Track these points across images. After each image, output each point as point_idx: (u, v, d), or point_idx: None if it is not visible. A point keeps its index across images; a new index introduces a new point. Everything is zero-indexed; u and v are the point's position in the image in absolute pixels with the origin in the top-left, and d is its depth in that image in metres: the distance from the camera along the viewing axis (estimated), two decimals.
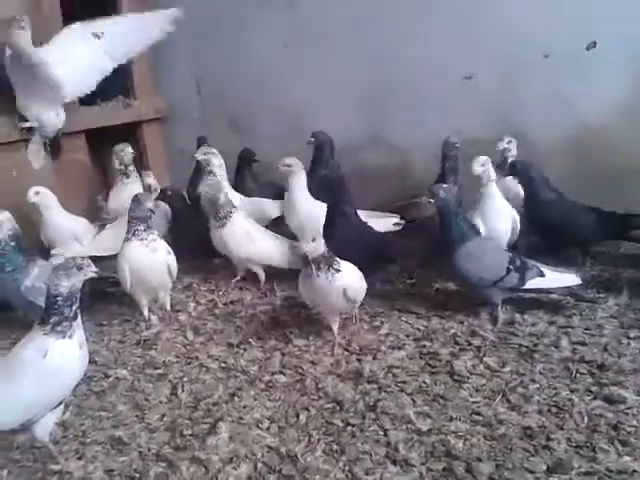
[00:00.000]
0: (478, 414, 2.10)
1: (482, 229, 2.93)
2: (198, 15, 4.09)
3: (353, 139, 3.76)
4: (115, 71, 3.82)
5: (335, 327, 2.58)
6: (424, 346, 2.55)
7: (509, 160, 3.24)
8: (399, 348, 2.54)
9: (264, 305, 3.04)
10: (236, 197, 3.48)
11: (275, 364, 2.51)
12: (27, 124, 3.37)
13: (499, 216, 3.02)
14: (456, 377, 2.31)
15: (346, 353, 2.54)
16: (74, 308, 1.94)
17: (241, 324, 2.88)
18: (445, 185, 2.79)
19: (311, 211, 3.19)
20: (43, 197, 3.24)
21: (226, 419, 2.17)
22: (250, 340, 2.70)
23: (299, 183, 3.26)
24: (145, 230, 2.76)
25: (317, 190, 3.32)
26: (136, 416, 2.25)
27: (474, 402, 2.17)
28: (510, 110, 3.55)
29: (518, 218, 3.06)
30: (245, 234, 3.15)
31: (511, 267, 2.61)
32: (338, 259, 2.47)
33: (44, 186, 3.30)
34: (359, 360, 2.48)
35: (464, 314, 2.76)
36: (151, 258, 2.77)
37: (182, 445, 2.07)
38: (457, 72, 3.64)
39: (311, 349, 2.60)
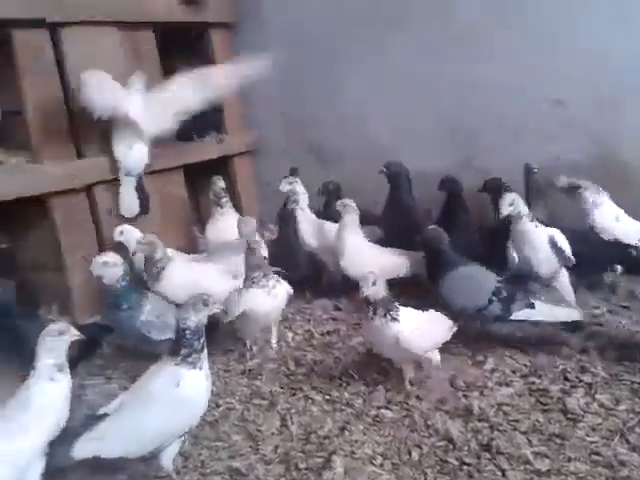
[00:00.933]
0: (597, 454, 2.07)
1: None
2: (283, 48, 4.24)
3: (442, 167, 3.75)
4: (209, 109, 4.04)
5: (406, 374, 2.54)
6: (533, 382, 2.52)
7: None
8: (507, 384, 2.53)
9: (360, 337, 3.07)
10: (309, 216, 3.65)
11: (380, 398, 2.53)
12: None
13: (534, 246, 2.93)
14: (570, 415, 2.28)
15: (451, 389, 2.54)
16: (201, 341, 2.05)
17: (339, 355, 2.92)
18: (433, 227, 2.96)
19: (358, 253, 3.30)
20: (128, 234, 3.36)
21: (339, 453, 2.21)
22: (351, 372, 2.74)
23: (350, 225, 3.35)
24: (264, 276, 2.82)
25: (393, 223, 3.48)
26: (250, 447, 2.32)
27: (592, 442, 2.14)
28: (605, 135, 3.51)
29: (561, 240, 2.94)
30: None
31: (494, 297, 2.65)
32: (399, 307, 2.46)
33: (146, 222, 3.50)
34: (466, 396, 2.47)
35: (571, 349, 2.72)
36: (273, 304, 2.84)
37: (299, 478, 2.12)
38: (548, 97, 3.64)
39: (415, 383, 2.61)
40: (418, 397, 2.51)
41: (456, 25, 3.75)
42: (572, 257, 2.90)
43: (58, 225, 3.26)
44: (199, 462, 2.26)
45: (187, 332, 2.03)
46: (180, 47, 3.94)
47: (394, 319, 2.42)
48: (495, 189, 3.44)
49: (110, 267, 2.68)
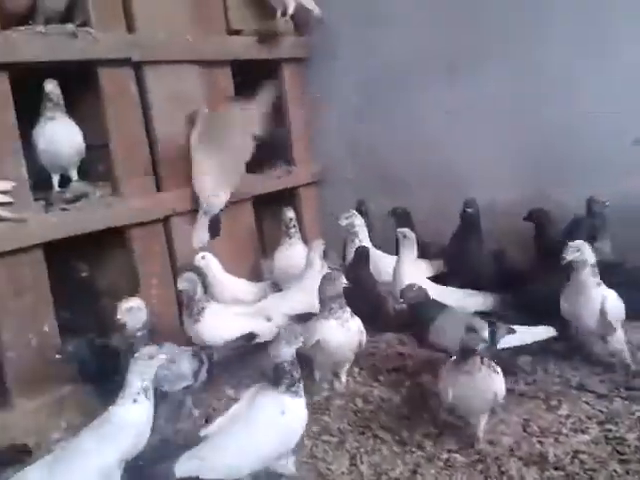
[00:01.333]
0: None
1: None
2: (354, 79, 4.35)
3: (516, 201, 3.73)
4: (278, 140, 4.15)
5: (481, 427, 2.46)
6: (609, 430, 2.45)
7: None
8: (582, 431, 2.46)
9: (427, 374, 3.05)
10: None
11: (450, 441, 2.51)
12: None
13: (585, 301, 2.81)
14: None
15: (525, 434, 2.50)
16: (299, 371, 2.21)
17: (407, 394, 2.92)
18: (415, 286, 2.91)
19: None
20: (209, 261, 3.53)
21: None
22: (420, 412, 2.73)
23: (408, 256, 3.44)
24: (341, 308, 2.84)
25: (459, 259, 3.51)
26: None
27: None
28: None
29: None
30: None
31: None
32: None
33: (217, 249, 3.63)
34: (540, 442, 2.43)
35: None
36: (347, 337, 2.85)
37: None
38: (629, 135, 3.57)
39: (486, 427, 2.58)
40: (490, 442, 2.47)
41: (536, 60, 3.72)
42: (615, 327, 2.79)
43: (135, 254, 3.39)
44: None
45: (285, 364, 2.17)
46: (254, 81, 4.05)
47: (496, 371, 2.36)
48: (540, 219, 3.46)
49: (134, 312, 2.66)
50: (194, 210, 3.66)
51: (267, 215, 4.49)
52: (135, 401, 2.15)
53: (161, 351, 2.26)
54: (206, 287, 3.43)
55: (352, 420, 2.75)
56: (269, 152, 4.10)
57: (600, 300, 2.76)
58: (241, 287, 3.69)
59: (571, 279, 2.85)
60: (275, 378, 2.19)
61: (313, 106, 4.49)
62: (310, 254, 3.52)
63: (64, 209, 3.06)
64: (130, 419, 2.15)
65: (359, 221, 3.75)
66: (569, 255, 2.77)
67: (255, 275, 3.99)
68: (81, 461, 2.07)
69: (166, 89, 3.51)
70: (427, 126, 4.13)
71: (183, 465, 2.06)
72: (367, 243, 3.76)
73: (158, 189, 3.52)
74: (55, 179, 3.24)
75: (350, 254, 3.69)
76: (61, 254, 3.05)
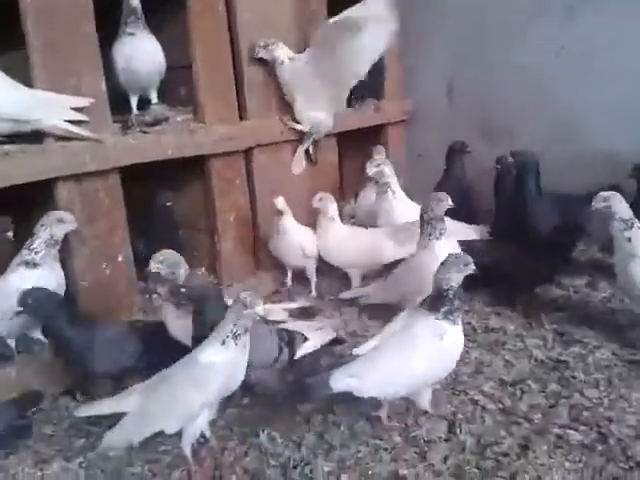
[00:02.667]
0: None
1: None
2: (457, 15, 3.91)
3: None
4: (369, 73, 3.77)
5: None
6: None
7: None
8: None
9: (533, 338, 2.74)
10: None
11: (563, 415, 2.22)
12: (298, 126, 3.39)
13: None
14: None
15: None
16: (460, 300, 2.15)
17: (510, 358, 2.61)
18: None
19: None
20: (326, 201, 3.22)
21: (522, 477, 1.93)
22: (528, 381, 2.43)
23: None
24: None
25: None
26: (415, 452, 2.09)
27: None
28: None
29: None
30: None
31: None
32: None
33: (295, 186, 3.38)
34: None
35: None
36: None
37: None
38: None
39: (604, 402, 2.27)
40: (610, 419, 2.16)
41: None
42: None
43: (214, 186, 3.16)
44: (357, 459, 2.08)
45: (450, 292, 2.09)
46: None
47: None
48: None
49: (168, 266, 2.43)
50: (277, 143, 3.39)
51: (349, 153, 4.17)
52: (224, 343, 2.00)
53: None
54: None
55: (447, 382, 2.47)
56: (360, 85, 3.72)
57: None
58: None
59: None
60: (434, 303, 2.12)
61: (408, 37, 4.07)
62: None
63: (143, 132, 2.83)
64: (217, 362, 2.00)
65: (389, 170, 3.35)
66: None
67: None
68: (167, 402, 2.00)
69: (255, 8, 3.18)
70: (537, 66, 3.67)
71: (338, 380, 2.06)
72: (401, 194, 3.39)
73: (241, 118, 3.23)
74: (134, 101, 3.01)
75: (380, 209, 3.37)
76: (136, 181, 2.84)
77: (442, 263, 2.15)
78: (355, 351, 2.22)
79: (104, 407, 2.13)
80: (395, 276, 2.86)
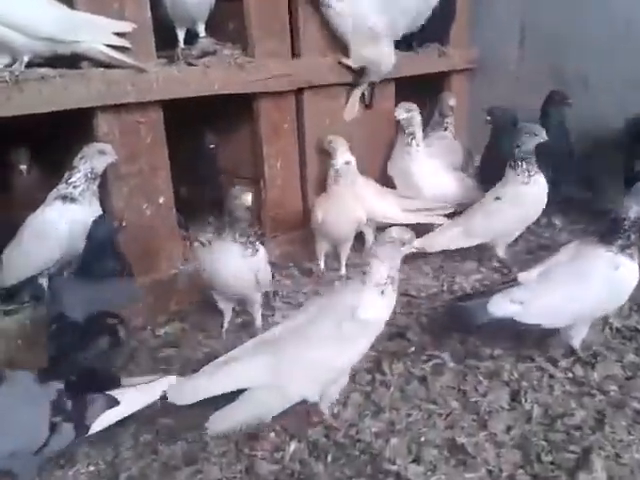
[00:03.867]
0: None
1: None
2: None
3: None
4: (432, 15, 3.45)
5: None
6: None
7: None
8: None
9: None
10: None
11: None
12: (353, 64, 3.12)
13: None
14: None
15: None
16: (638, 233, 1.98)
17: None
18: None
19: None
20: (335, 143, 2.93)
21: (598, 453, 1.69)
22: (602, 350, 2.17)
23: None
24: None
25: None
26: (474, 420, 1.88)
27: None
28: None
29: None
30: None
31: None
32: None
33: (350, 134, 3.12)
34: None
35: None
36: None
37: (543, 474, 1.65)
38: None
39: None
40: None
41: None
42: None
43: (261, 129, 2.95)
44: (407, 423, 1.88)
45: (625, 222, 1.95)
46: None
47: None
48: None
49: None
50: (331, 85, 3.14)
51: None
52: (382, 293, 1.74)
53: None
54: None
55: (507, 346, 2.24)
56: (425, 27, 3.41)
57: None
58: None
59: None
60: (607, 236, 1.99)
61: None
62: None
63: (189, 64, 2.62)
64: (377, 318, 1.76)
65: (418, 118, 3.10)
66: None
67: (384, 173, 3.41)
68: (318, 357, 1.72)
69: None
70: (615, 13, 3.30)
71: (497, 305, 2.01)
72: (423, 149, 3.15)
73: (294, 55, 2.99)
74: (181, 34, 2.78)
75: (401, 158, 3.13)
76: (180, 121, 2.65)
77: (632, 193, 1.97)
78: (520, 276, 2.11)
79: (212, 387, 1.72)
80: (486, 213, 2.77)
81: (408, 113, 3.08)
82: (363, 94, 3.27)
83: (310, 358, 1.71)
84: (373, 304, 1.73)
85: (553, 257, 2.15)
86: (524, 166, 2.64)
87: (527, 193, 2.67)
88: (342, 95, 3.23)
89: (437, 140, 3.46)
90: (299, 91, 3.04)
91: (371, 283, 1.73)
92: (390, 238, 1.75)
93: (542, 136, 2.60)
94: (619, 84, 3.34)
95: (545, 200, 2.72)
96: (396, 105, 3.35)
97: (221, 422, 1.71)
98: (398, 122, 3.16)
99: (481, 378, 2.06)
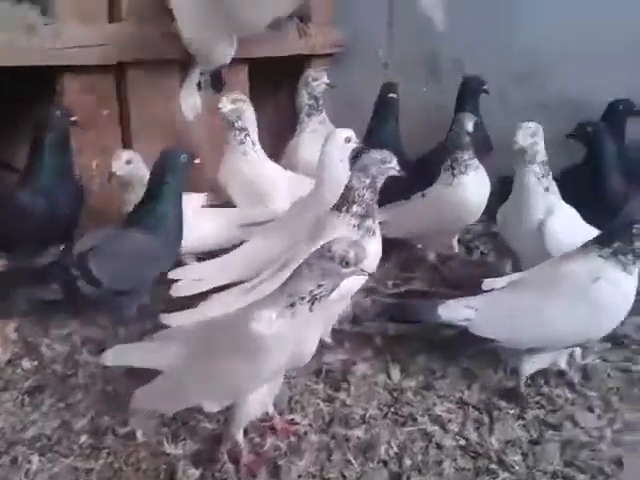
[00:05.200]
0: None
1: None
2: None
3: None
4: None
5: None
6: None
7: None
8: None
9: None
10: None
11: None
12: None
13: None
14: None
15: None
16: None
17: None
18: None
19: None
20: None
21: None
22: (497, 402, 1.75)
23: None
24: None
25: None
26: None
27: None
28: None
29: None
30: None
31: None
32: None
33: (191, 131, 2.52)
34: None
35: None
36: None
37: None
38: None
39: None
40: None
41: None
42: None
43: None
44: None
45: (637, 225, 1.59)
46: None
47: None
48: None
49: None
50: (164, 60, 2.49)
51: (266, 91, 3.31)
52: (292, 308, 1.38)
53: None
54: None
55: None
56: None
57: None
58: None
59: None
60: (607, 235, 1.66)
61: None
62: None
63: None
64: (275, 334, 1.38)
65: (250, 112, 2.51)
66: None
67: None
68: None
69: None
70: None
71: (449, 308, 1.74)
72: (258, 146, 2.55)
73: (112, 19, 2.31)
74: None
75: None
76: None
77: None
78: (486, 282, 1.80)
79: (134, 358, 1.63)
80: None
81: (233, 104, 2.44)
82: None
83: (209, 366, 1.46)
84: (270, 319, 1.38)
85: (536, 266, 1.82)
86: (448, 163, 2.34)
87: (447, 194, 2.35)
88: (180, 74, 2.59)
89: (319, 125, 2.89)
90: (120, 67, 2.36)
91: (283, 294, 1.40)
92: (330, 253, 1.36)
93: (469, 127, 2.29)
94: (496, 73, 3.00)
95: (477, 202, 2.36)
96: (250, 91, 2.80)
97: (141, 400, 1.52)
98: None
99: (350, 457, 1.55)
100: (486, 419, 1.68)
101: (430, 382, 1.83)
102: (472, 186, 2.34)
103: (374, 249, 1.78)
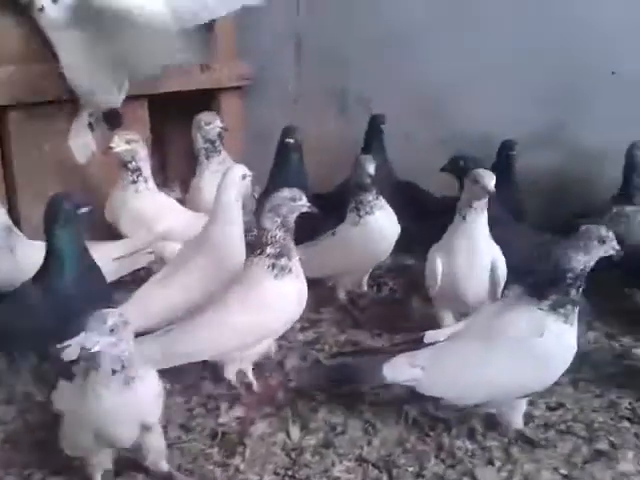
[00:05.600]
0: None
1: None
2: None
3: (515, 136, 2.72)
4: None
5: None
6: None
7: None
8: None
9: None
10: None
11: None
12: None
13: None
14: None
15: None
16: (580, 291, 1.61)
17: None
18: None
19: None
20: None
21: None
22: None
23: None
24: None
25: None
26: None
27: None
28: None
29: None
30: None
31: None
32: None
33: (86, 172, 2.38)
34: None
35: None
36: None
37: None
38: None
39: None
40: None
41: None
42: None
43: None
44: None
45: (569, 275, 1.58)
46: None
47: None
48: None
49: None
50: (49, 102, 2.36)
51: (174, 128, 3.21)
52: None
53: None
54: None
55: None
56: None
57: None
58: None
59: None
60: (540, 288, 1.62)
61: None
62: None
63: None
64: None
65: (144, 152, 2.49)
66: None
67: None
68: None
69: None
70: (403, 29, 2.96)
71: (394, 368, 1.68)
72: (154, 188, 2.55)
73: None
74: None
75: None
76: None
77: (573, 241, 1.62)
78: (428, 335, 1.76)
79: None
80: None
81: (128, 145, 2.38)
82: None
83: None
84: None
85: (480, 309, 1.82)
86: (353, 205, 2.32)
87: (356, 234, 2.33)
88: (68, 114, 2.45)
89: (219, 165, 2.78)
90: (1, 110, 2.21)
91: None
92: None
93: (371, 170, 2.22)
94: (403, 108, 3.00)
95: (386, 240, 2.36)
96: (152, 129, 2.68)
97: None
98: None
99: None
100: (385, 478, 1.61)
101: (330, 439, 1.74)
102: (379, 225, 2.32)
103: (290, 288, 1.82)
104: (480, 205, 1.98)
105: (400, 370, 1.69)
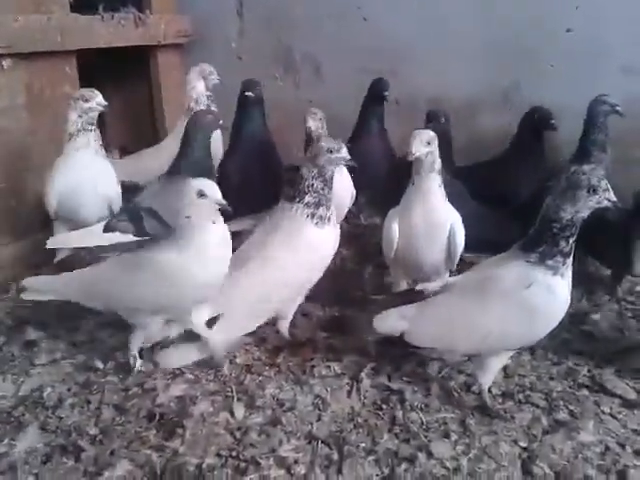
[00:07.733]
0: None
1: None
2: None
3: (469, 97, 2.63)
4: None
5: None
6: None
7: None
8: None
9: None
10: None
11: None
12: None
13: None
14: None
15: None
16: (570, 242, 1.55)
17: None
18: None
19: None
20: None
21: None
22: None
23: None
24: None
25: None
26: None
27: None
28: None
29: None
30: None
31: None
32: None
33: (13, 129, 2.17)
34: None
35: None
36: None
37: None
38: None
39: None
40: None
41: None
42: None
43: None
44: None
45: (555, 225, 1.53)
46: None
47: None
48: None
49: None
50: None
51: (108, 86, 2.96)
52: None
53: None
54: None
55: None
56: None
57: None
58: None
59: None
60: (530, 240, 1.59)
61: None
62: None
63: None
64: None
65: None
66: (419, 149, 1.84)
67: None
68: None
69: None
70: None
71: (383, 320, 1.73)
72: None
73: None
74: None
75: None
76: None
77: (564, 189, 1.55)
78: (420, 286, 1.78)
79: None
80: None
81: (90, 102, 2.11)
82: None
83: None
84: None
85: (467, 271, 1.79)
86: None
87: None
88: None
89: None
90: None
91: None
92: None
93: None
94: (350, 70, 2.87)
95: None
96: (94, 83, 2.45)
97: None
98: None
99: None
100: (335, 456, 1.51)
101: (278, 416, 1.63)
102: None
103: (327, 237, 1.86)
104: (424, 169, 1.86)
105: (390, 322, 1.71)
